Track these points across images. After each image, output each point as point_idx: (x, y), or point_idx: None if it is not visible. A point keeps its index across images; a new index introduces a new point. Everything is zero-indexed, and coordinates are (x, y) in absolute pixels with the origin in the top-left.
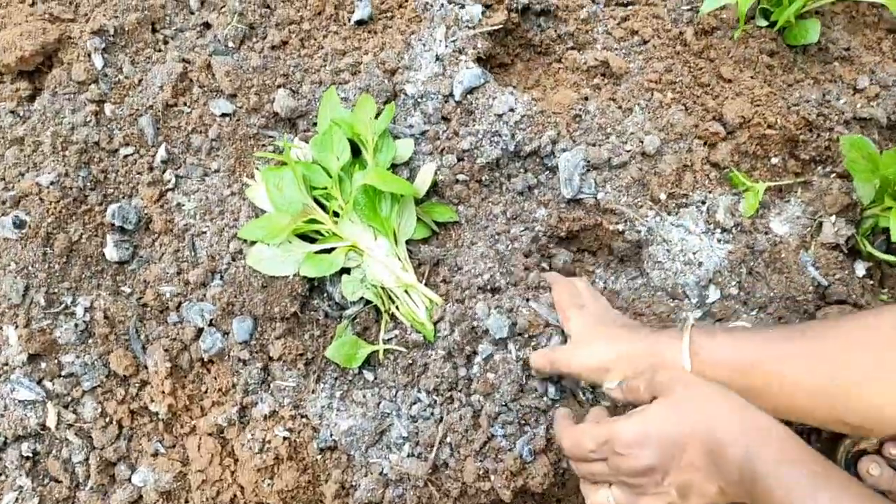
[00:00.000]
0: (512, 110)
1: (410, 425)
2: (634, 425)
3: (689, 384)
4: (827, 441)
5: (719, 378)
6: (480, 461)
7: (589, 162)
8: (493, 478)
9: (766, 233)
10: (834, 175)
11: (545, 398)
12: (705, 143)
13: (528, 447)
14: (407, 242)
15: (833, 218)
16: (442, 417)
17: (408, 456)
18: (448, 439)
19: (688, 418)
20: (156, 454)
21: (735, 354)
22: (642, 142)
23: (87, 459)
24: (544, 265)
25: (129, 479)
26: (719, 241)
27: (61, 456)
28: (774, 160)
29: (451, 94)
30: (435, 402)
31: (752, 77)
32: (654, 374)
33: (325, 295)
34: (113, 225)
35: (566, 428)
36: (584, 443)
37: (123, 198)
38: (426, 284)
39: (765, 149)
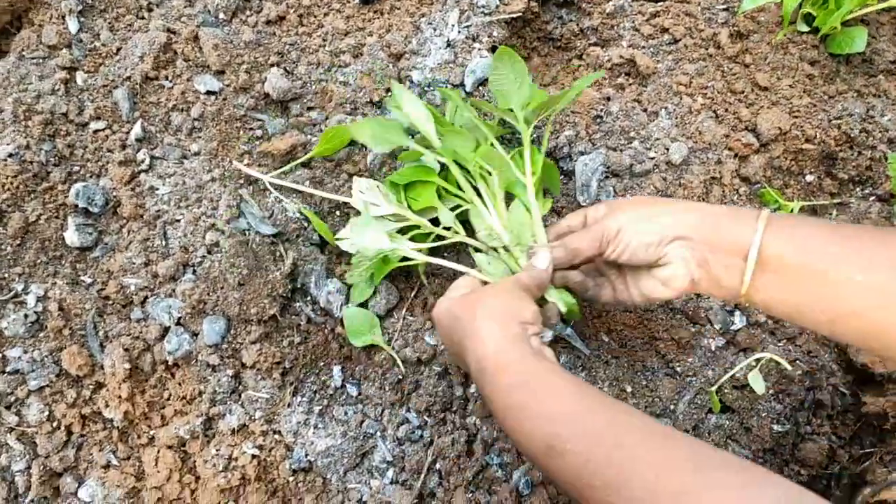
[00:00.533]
0: None
1: (396, 448)
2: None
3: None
4: (847, 487)
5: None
6: (472, 492)
7: (609, 168)
8: None
9: None
10: (874, 198)
11: None
12: (736, 156)
13: (525, 478)
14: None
15: None
16: (432, 441)
17: (391, 483)
18: (437, 466)
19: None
20: (107, 466)
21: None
22: (668, 149)
23: (28, 468)
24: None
25: (76, 493)
26: None
27: None
28: (810, 178)
29: (462, 84)
30: (425, 423)
31: (790, 86)
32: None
33: (309, 298)
34: (76, 206)
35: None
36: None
37: (90, 177)
38: (416, 298)
39: (800, 165)
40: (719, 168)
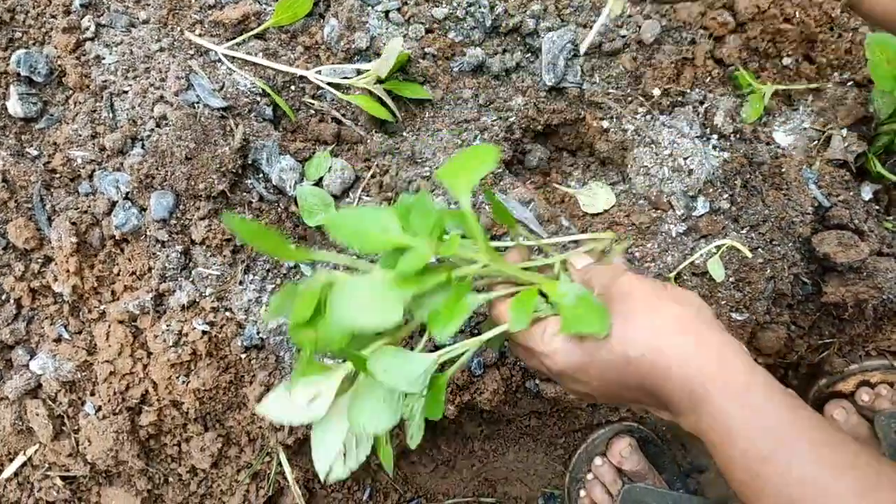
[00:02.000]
0: None
1: None
2: (572, 348)
3: (632, 296)
4: (804, 377)
5: None
6: None
7: (577, 46)
8: None
9: (768, 143)
10: (851, 83)
11: None
12: (711, 35)
13: (478, 359)
14: (355, 122)
15: (844, 132)
16: None
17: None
18: None
19: (628, 343)
20: (59, 340)
21: None
22: (640, 27)
23: None
24: (517, 162)
25: (27, 366)
26: (715, 147)
27: None
28: (787, 60)
29: None
30: None
31: None
32: (615, 280)
33: (262, 175)
34: (19, 75)
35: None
36: (519, 352)
37: (33, 44)
38: (372, 178)
39: (777, 47)
40: (693, 49)
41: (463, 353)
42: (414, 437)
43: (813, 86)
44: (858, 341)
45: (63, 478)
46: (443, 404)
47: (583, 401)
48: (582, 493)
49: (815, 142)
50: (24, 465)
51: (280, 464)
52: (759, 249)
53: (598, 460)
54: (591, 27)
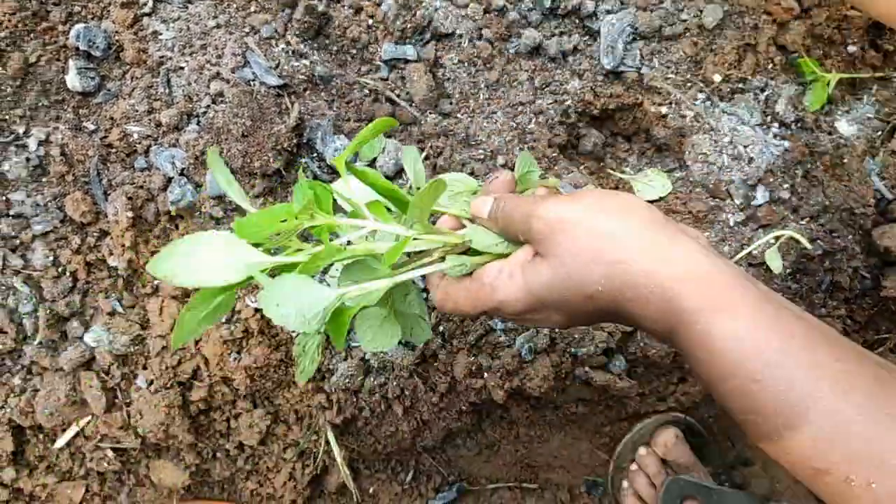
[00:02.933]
0: None
1: None
2: (520, 295)
3: (572, 230)
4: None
5: None
6: (474, 356)
7: (636, 29)
8: (486, 375)
9: (830, 132)
10: None
11: None
12: (774, 21)
13: (528, 345)
14: (410, 103)
15: None
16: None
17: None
18: (440, 328)
19: (584, 280)
20: (113, 313)
21: None
22: (701, 11)
23: (35, 311)
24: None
25: (82, 338)
26: (776, 136)
27: (7, 305)
28: (852, 48)
29: None
30: None
31: None
32: (530, 221)
33: (316, 154)
34: (77, 49)
35: (441, 287)
36: (464, 308)
37: (92, 18)
38: (426, 159)
39: (843, 34)
40: (755, 34)
41: (376, 292)
42: (306, 372)
43: (878, 74)
44: None
45: (114, 449)
46: (345, 337)
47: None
48: (625, 483)
49: (880, 132)
50: (76, 435)
51: (328, 442)
52: (819, 241)
53: (642, 450)
54: (651, 10)
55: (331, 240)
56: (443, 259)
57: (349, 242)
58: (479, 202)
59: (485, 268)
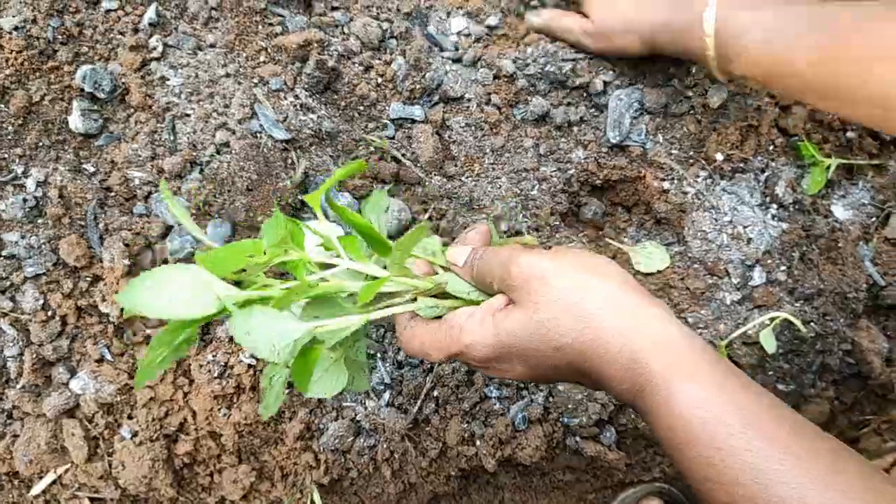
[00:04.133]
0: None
1: (395, 371)
2: (488, 340)
3: (549, 280)
4: None
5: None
6: (467, 423)
7: (643, 105)
8: (478, 443)
9: (826, 216)
10: None
11: None
12: (777, 104)
13: (522, 414)
14: (415, 163)
15: None
16: (432, 367)
17: (387, 405)
18: (435, 393)
19: (554, 330)
20: (101, 360)
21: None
22: (707, 91)
23: (21, 355)
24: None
25: (67, 384)
26: (774, 217)
27: None
28: (850, 134)
29: None
30: None
31: None
32: (509, 268)
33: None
34: (82, 90)
35: (409, 327)
36: (429, 349)
37: (99, 60)
38: (429, 220)
39: (843, 120)
40: (758, 116)
41: (347, 329)
42: (269, 408)
43: (875, 162)
44: None
45: (91, 499)
46: (310, 378)
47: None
48: None
49: (874, 218)
50: (53, 483)
51: (313, 502)
52: (812, 323)
53: None
54: (659, 87)
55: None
56: (414, 300)
57: (322, 279)
58: (455, 251)
59: (455, 312)
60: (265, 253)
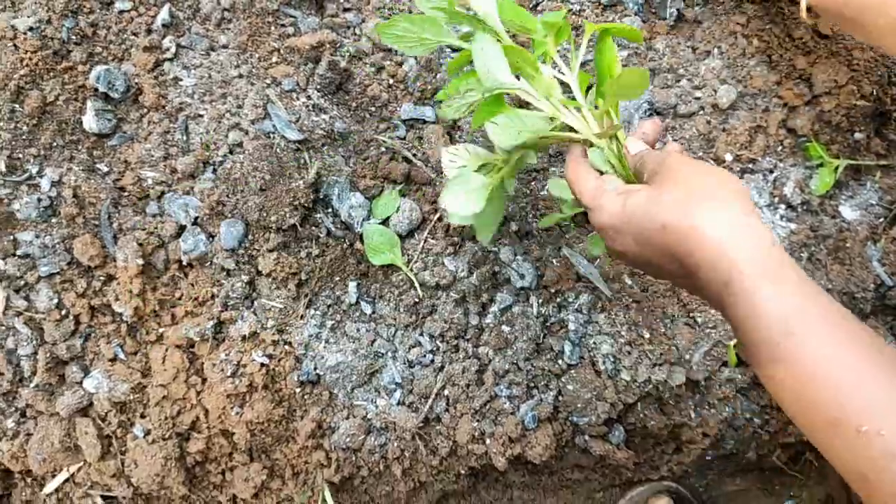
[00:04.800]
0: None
1: (406, 370)
2: (615, 209)
3: (681, 169)
4: None
5: None
6: (478, 421)
7: (653, 105)
8: (488, 441)
9: (834, 216)
10: None
11: (560, 362)
12: (785, 105)
13: (532, 413)
14: (426, 163)
15: None
16: (443, 367)
17: (398, 404)
18: (446, 392)
19: (666, 209)
20: (114, 359)
21: None
22: (716, 91)
23: (35, 353)
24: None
25: (81, 383)
26: (782, 217)
27: (5, 345)
28: (858, 135)
29: None
30: (438, 348)
31: (852, 37)
32: (664, 159)
33: (331, 210)
34: (96, 90)
35: (575, 159)
36: (574, 183)
37: (112, 60)
38: (439, 220)
39: (850, 121)
40: (766, 117)
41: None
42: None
43: (883, 163)
44: None
45: (103, 497)
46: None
47: (622, 263)
48: None
49: (882, 219)
50: (66, 481)
51: (324, 500)
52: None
53: None
54: (668, 87)
55: None
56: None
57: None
58: (632, 141)
59: (609, 176)
60: None
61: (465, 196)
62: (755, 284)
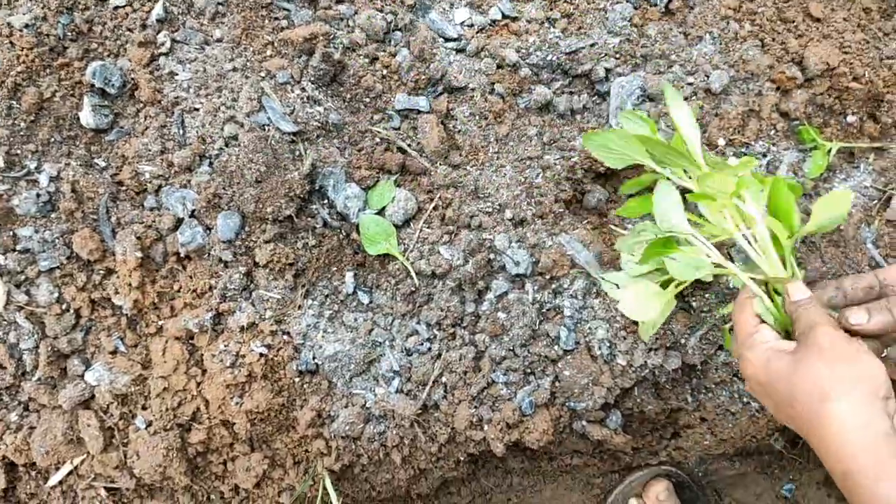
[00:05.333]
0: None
1: (404, 359)
2: (758, 365)
3: (825, 350)
4: None
5: None
6: (475, 407)
7: (645, 91)
8: (486, 427)
9: None
10: None
11: (556, 347)
12: (778, 89)
13: (529, 399)
14: (421, 153)
15: None
16: (440, 354)
17: (396, 391)
18: (443, 379)
19: (801, 387)
20: (115, 352)
21: None
22: (708, 76)
23: (36, 347)
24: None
25: (82, 376)
26: None
27: (7, 340)
28: (851, 118)
29: None
30: (435, 336)
31: (844, 19)
32: (814, 328)
33: (327, 201)
34: (93, 86)
35: (745, 302)
36: (736, 328)
37: (108, 56)
38: (434, 210)
39: (843, 104)
40: (759, 100)
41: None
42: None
43: (876, 145)
44: None
45: (107, 489)
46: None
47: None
48: None
49: (876, 201)
50: (69, 473)
51: (325, 488)
52: None
53: (633, 502)
54: (660, 73)
55: None
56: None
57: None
58: (797, 289)
59: (765, 329)
60: None
61: (643, 301)
62: (872, 481)
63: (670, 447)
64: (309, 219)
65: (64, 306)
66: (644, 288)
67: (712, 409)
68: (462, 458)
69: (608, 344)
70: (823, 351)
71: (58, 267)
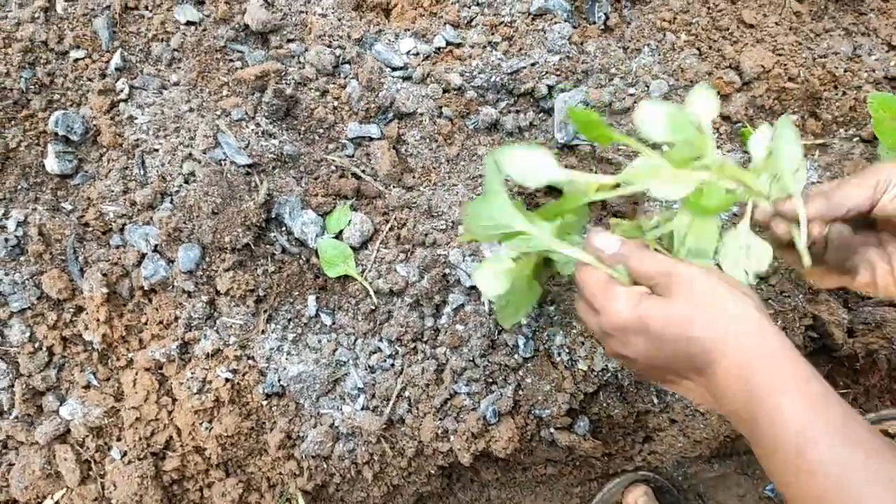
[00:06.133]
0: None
1: (367, 376)
2: (627, 312)
3: (696, 283)
4: None
5: None
6: (440, 419)
7: (588, 105)
8: (452, 438)
9: None
10: (857, 139)
11: (516, 356)
12: (718, 93)
13: (492, 408)
14: (374, 177)
15: None
16: (402, 370)
17: (362, 409)
18: (407, 393)
19: (689, 322)
20: (88, 386)
21: None
22: (648, 86)
23: (11, 386)
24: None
25: (57, 412)
26: None
27: None
28: (793, 118)
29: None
30: (396, 352)
31: (776, 23)
32: (669, 272)
33: (284, 228)
34: (56, 134)
35: (592, 271)
36: (585, 287)
37: (70, 105)
38: (390, 230)
39: (783, 104)
40: None
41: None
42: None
43: (819, 141)
44: (874, 392)
45: None
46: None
47: (621, 366)
48: None
49: None
50: None
51: None
52: (770, 301)
53: None
54: (602, 86)
55: None
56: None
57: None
58: (604, 237)
59: (618, 281)
60: None
61: (492, 276)
62: (774, 399)
63: (644, 451)
64: (267, 246)
65: (36, 345)
66: (496, 263)
67: (680, 410)
68: (433, 472)
69: (567, 350)
70: (689, 279)
71: (29, 307)
